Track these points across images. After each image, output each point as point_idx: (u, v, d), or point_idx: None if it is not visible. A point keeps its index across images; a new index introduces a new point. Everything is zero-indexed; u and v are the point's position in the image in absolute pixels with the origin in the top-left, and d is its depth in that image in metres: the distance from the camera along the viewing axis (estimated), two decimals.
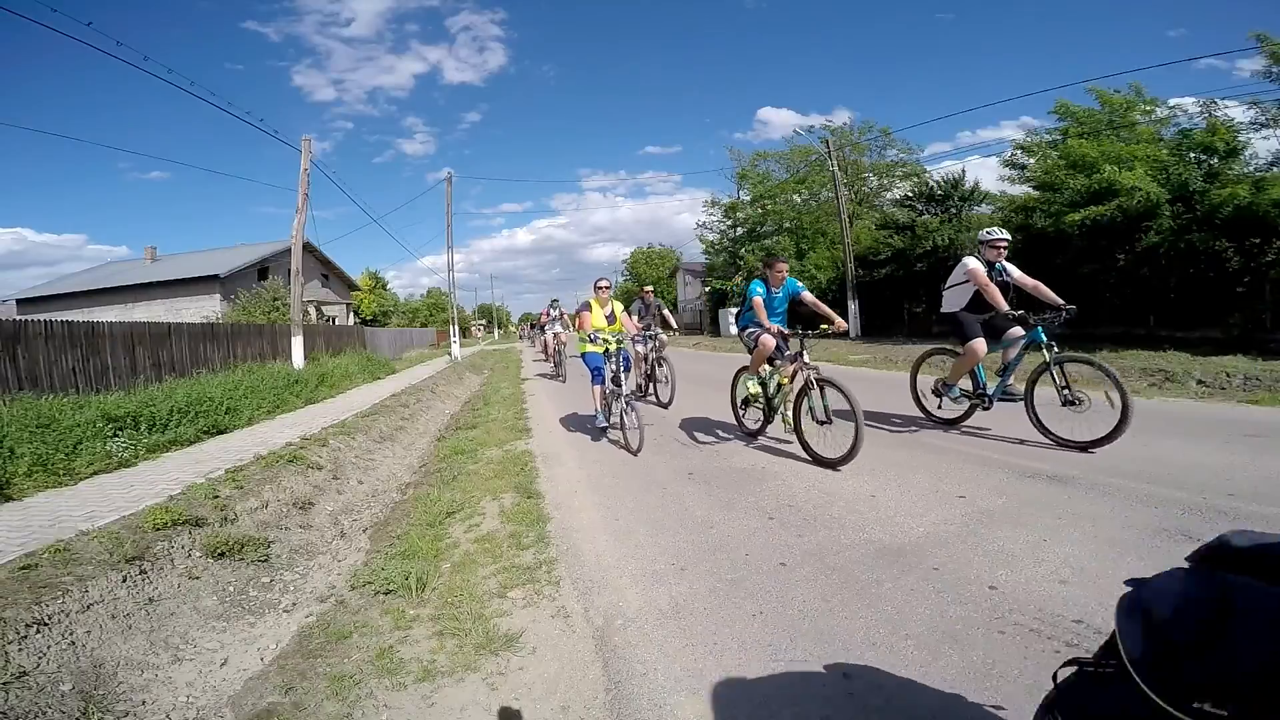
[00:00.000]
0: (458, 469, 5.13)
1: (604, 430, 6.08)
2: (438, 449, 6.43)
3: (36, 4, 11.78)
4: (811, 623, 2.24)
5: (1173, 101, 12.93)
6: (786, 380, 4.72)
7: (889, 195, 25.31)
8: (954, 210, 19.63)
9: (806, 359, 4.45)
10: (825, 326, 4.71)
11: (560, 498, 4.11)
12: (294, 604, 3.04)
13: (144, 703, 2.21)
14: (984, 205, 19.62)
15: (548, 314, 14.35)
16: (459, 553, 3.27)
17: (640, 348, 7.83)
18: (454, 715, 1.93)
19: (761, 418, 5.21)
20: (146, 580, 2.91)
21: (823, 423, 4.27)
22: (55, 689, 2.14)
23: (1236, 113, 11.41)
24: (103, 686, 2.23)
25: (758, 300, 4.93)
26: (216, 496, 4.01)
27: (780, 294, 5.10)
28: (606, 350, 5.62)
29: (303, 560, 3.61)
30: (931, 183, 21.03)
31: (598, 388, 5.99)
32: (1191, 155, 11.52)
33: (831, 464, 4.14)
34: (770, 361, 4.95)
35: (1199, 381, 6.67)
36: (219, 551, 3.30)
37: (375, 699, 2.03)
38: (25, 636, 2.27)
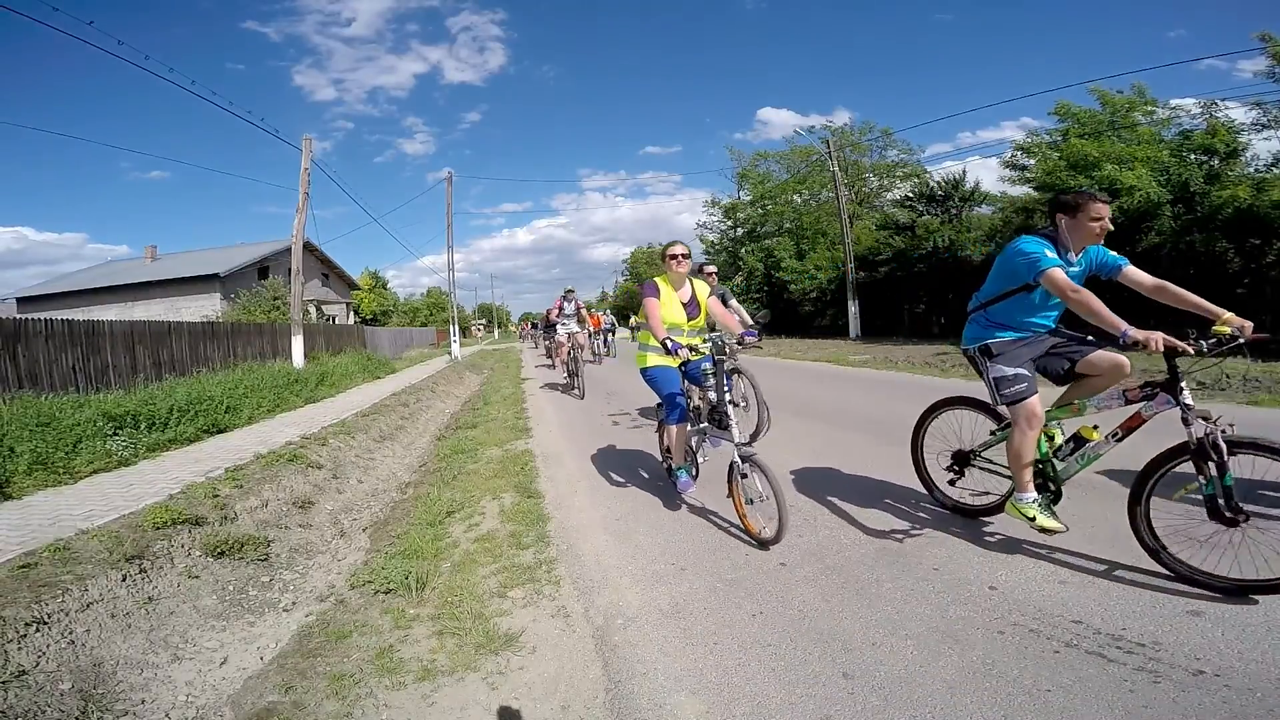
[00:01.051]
0: (458, 468, 5.13)
1: (682, 489, 3.62)
2: (438, 448, 6.43)
3: (38, 3, 11.74)
4: (811, 623, 2.24)
5: (1174, 102, 12.97)
6: (1097, 433, 2.62)
7: (889, 195, 25.38)
8: (955, 211, 19.67)
9: (1188, 398, 2.35)
10: (1226, 331, 2.33)
11: (560, 497, 4.11)
12: (294, 603, 3.04)
13: (143, 701, 2.21)
14: (984, 206, 19.67)
15: (560, 308, 10.55)
16: (459, 552, 3.27)
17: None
18: (454, 715, 1.93)
19: (996, 492, 2.98)
20: (146, 579, 2.91)
21: (1233, 519, 2.19)
22: (54, 688, 2.14)
23: (1238, 114, 11.44)
24: (102, 685, 2.23)
25: (1057, 274, 2.43)
26: (216, 495, 4.01)
27: (1080, 265, 2.68)
28: (685, 364, 3.43)
29: (302, 559, 3.61)
30: (932, 183, 21.08)
31: (674, 428, 3.51)
32: (1192, 156, 11.56)
33: (1253, 591, 2.15)
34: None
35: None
36: (219, 551, 3.30)
37: (375, 698, 2.03)
38: (25, 635, 2.27)
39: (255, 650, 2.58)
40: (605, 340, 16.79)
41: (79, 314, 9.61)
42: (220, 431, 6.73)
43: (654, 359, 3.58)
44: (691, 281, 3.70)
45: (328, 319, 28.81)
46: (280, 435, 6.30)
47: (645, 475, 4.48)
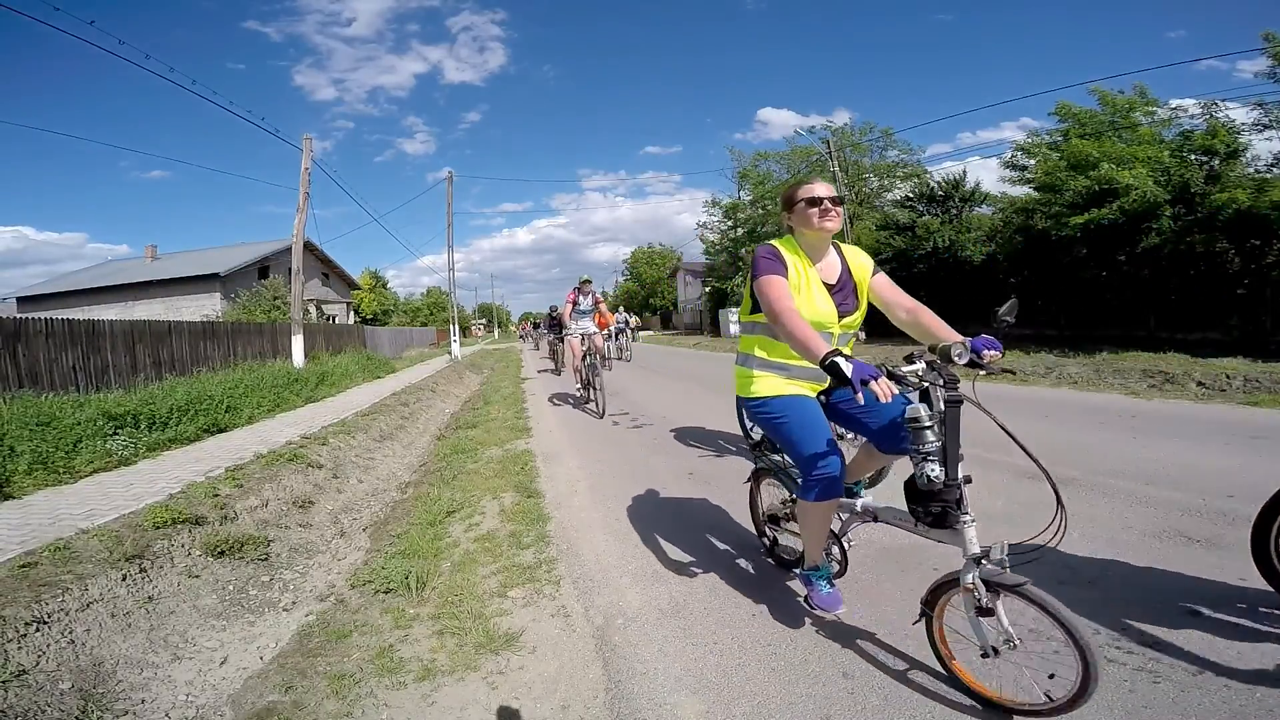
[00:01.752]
0: (458, 468, 5.13)
1: (822, 605, 2.19)
2: (438, 448, 6.43)
3: (39, 2, 11.74)
4: (811, 622, 2.24)
5: (1174, 103, 12.95)
6: None
7: (890, 196, 25.34)
8: (955, 211, 19.64)
9: None
10: None
11: (560, 497, 4.11)
12: (294, 603, 3.04)
13: (143, 701, 2.21)
14: (984, 206, 19.66)
15: (574, 301, 8.15)
16: (459, 552, 3.27)
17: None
18: (454, 714, 1.93)
19: None
20: (146, 579, 2.91)
21: None
22: (54, 687, 2.14)
23: (1238, 114, 11.44)
24: (102, 685, 2.23)
25: None
26: (216, 495, 4.01)
27: None
28: (826, 393, 2.13)
29: (302, 559, 3.61)
30: (932, 183, 21.05)
31: (817, 507, 2.00)
32: (1193, 157, 11.54)
33: None
34: None
35: (1199, 383, 6.67)
36: (219, 550, 3.30)
37: (375, 698, 2.03)
38: (25, 635, 2.27)
39: (255, 650, 2.58)
40: (616, 341, 15.67)
41: (79, 313, 9.62)
42: (220, 431, 6.73)
43: (776, 383, 2.06)
44: (839, 249, 2.12)
45: (328, 319, 28.81)
46: (280, 435, 6.30)
47: (646, 476, 4.48)
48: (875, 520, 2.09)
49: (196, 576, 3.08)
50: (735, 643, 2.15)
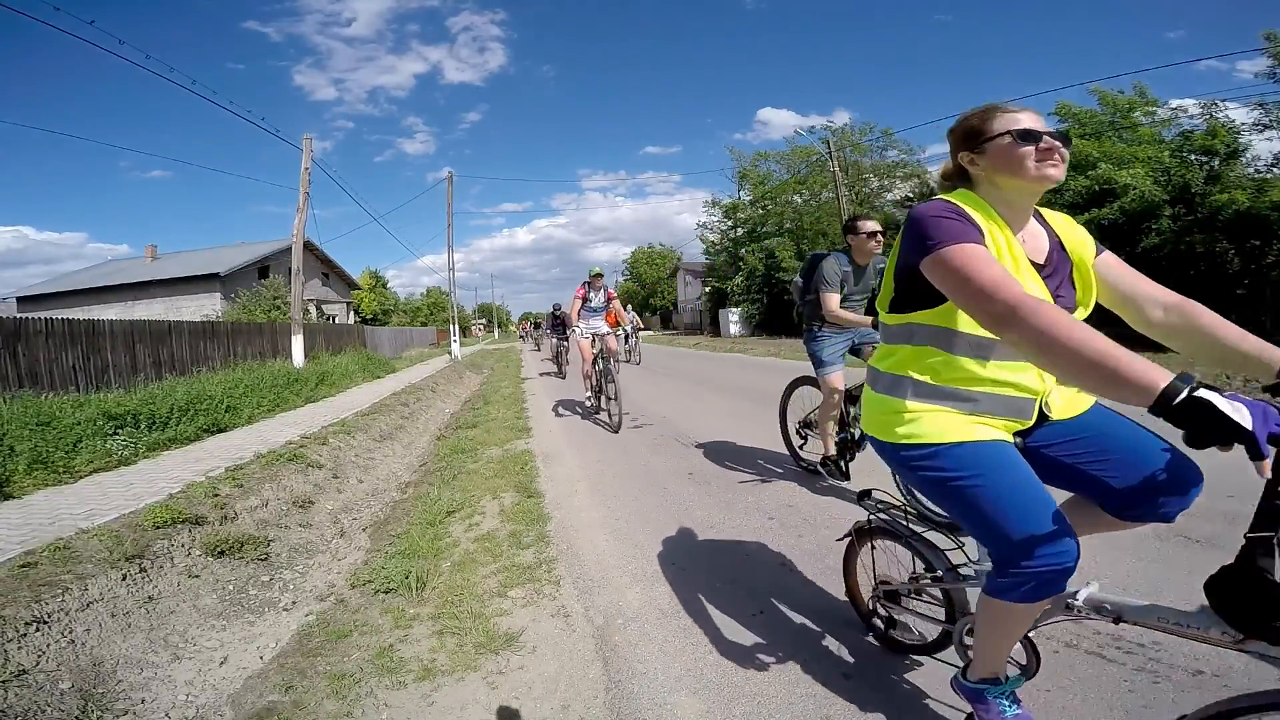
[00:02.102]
0: (458, 468, 5.13)
1: None
2: (438, 448, 6.43)
3: (39, 2, 11.73)
4: (812, 622, 2.24)
5: (1174, 103, 12.98)
6: None
7: (890, 196, 25.34)
8: None
9: None
10: None
11: (560, 497, 4.11)
12: (293, 603, 3.04)
13: (143, 701, 2.21)
14: None
15: (584, 298, 7.13)
16: (459, 552, 3.27)
17: None
18: (454, 714, 1.93)
19: None
20: (146, 579, 2.91)
21: None
22: (54, 687, 2.14)
23: (1238, 114, 11.45)
24: (102, 685, 2.23)
25: None
26: (216, 495, 4.01)
27: None
28: (1024, 434, 1.40)
29: (302, 559, 3.61)
30: (932, 184, 21.02)
31: (1019, 610, 1.28)
32: (1193, 157, 11.56)
33: None
34: None
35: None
36: (219, 550, 3.30)
37: (375, 698, 2.03)
38: (24, 635, 2.27)
39: (255, 650, 2.58)
40: (628, 343, 14.83)
41: (79, 313, 9.62)
42: (220, 431, 6.73)
43: (954, 423, 1.33)
44: (1040, 214, 1.43)
45: (328, 318, 28.83)
46: (280, 434, 6.30)
47: (646, 477, 4.48)
48: (1117, 622, 1.26)
49: (196, 576, 3.08)
50: (736, 643, 2.15)
